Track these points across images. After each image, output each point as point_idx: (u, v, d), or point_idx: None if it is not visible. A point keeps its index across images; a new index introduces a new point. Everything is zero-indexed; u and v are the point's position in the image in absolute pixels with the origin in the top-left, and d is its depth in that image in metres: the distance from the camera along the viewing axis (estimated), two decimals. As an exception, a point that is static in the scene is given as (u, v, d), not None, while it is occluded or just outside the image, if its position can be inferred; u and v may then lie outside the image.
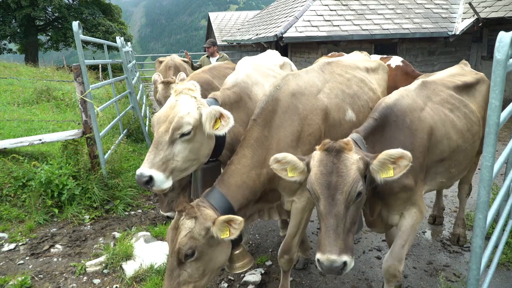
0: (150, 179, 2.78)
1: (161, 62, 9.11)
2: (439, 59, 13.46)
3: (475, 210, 2.36)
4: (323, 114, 3.12)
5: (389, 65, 7.09)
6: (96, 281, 3.76)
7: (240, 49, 19.28)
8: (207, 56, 8.94)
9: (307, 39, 11.78)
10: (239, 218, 2.51)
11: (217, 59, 8.70)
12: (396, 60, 7.05)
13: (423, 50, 13.35)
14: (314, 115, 3.07)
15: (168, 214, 4.32)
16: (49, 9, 30.02)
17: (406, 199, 2.89)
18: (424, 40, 12.98)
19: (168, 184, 2.89)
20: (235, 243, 2.86)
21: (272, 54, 4.97)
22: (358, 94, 3.47)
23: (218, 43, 24.30)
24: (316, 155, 2.40)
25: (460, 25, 12.46)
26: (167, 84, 6.02)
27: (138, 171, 2.81)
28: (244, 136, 3.06)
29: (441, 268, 3.97)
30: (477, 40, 13.43)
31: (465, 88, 3.54)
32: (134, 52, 15.69)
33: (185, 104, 2.97)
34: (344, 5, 13.23)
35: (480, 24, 12.15)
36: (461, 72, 3.88)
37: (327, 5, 13.11)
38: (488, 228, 2.40)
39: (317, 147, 2.43)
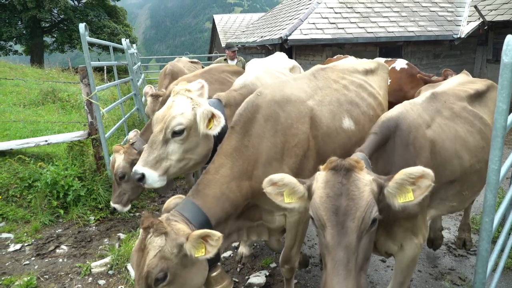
0: (143, 176, 2.95)
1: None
2: (444, 62, 13.42)
3: (482, 213, 2.35)
4: (312, 122, 2.85)
5: (393, 68, 7.08)
6: (101, 282, 3.77)
7: (245, 51, 19.31)
8: (224, 59, 8.75)
9: (312, 41, 11.79)
10: (217, 234, 2.15)
11: (236, 63, 8.49)
12: (401, 63, 7.04)
13: (428, 53, 13.32)
14: (300, 123, 2.79)
15: (116, 206, 4.22)
16: (55, 11, 30.21)
17: (408, 228, 2.57)
18: (429, 43, 12.95)
19: (160, 182, 3.03)
20: (212, 263, 2.49)
21: (281, 57, 4.98)
22: (356, 101, 3.21)
23: (222, 46, 24.43)
24: (321, 176, 2.02)
25: (465, 28, 12.43)
26: (155, 97, 5.93)
27: (133, 168, 3.02)
28: (221, 144, 2.77)
29: (446, 271, 3.95)
30: (483, 43, 13.39)
31: (478, 98, 3.21)
32: (139, 54, 15.76)
33: (180, 105, 3.08)
34: (349, 7, 13.23)
35: (485, 27, 12.11)
36: (470, 79, 3.59)
37: (332, 7, 13.12)
38: (494, 231, 2.39)
39: (321, 166, 2.07)
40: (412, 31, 12.33)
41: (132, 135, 4.59)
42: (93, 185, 5.21)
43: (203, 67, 8.58)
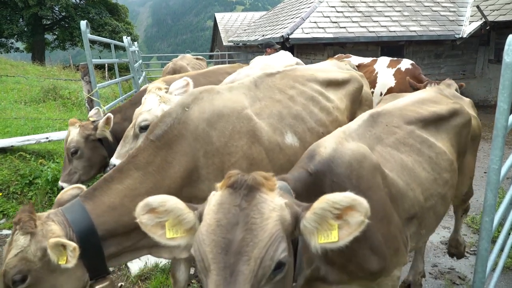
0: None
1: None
2: (445, 62, 13.42)
3: (482, 213, 2.36)
4: (250, 136, 2.55)
5: (399, 69, 7.03)
6: (101, 279, 3.78)
7: (246, 50, 19.30)
8: None
9: (314, 40, 11.78)
10: (72, 244, 1.89)
11: None
12: (406, 63, 7.01)
13: (429, 53, 13.31)
14: (236, 140, 2.50)
15: (63, 184, 3.80)
16: (56, 9, 30.23)
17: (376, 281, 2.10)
18: (431, 42, 12.94)
19: None
20: (97, 274, 2.19)
21: (285, 55, 4.98)
22: (302, 116, 2.87)
23: (224, 44, 24.42)
24: (215, 197, 1.45)
25: (467, 28, 12.42)
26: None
27: (110, 161, 3.24)
28: (133, 153, 2.43)
29: (446, 271, 3.96)
30: (485, 43, 13.37)
31: (436, 122, 2.65)
32: (141, 52, 15.76)
33: (148, 102, 3.28)
34: (351, 6, 13.22)
35: (487, 27, 12.09)
36: (435, 98, 2.94)
37: (333, 6, 13.10)
38: (494, 231, 2.40)
39: (218, 184, 1.49)
40: (414, 31, 12.32)
41: (93, 112, 4.24)
42: (93, 182, 5.21)
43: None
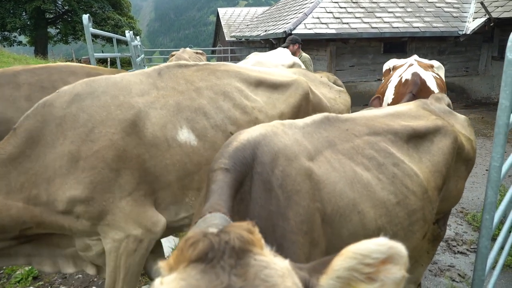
0: None
1: (173, 56, 9.07)
2: (449, 58, 13.36)
3: (482, 210, 2.35)
4: (131, 126, 2.25)
5: (401, 78, 5.16)
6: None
7: (249, 45, 19.25)
8: None
9: (316, 36, 11.74)
10: None
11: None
12: (407, 74, 5.02)
13: (432, 49, 13.25)
14: (106, 127, 2.20)
15: None
16: (59, 2, 30.23)
17: None
18: (434, 39, 12.88)
19: None
20: None
21: (282, 53, 4.95)
22: (206, 110, 2.48)
23: (226, 39, 24.37)
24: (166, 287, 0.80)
25: (471, 25, 12.35)
26: None
27: None
28: None
29: (445, 268, 3.96)
30: (488, 40, 13.31)
31: (408, 138, 2.18)
32: (143, 47, 15.74)
33: None
34: (354, 2, 13.16)
35: (491, 24, 12.03)
36: (415, 112, 2.46)
37: (337, 2, 13.05)
38: (494, 229, 2.40)
39: (162, 262, 0.86)
40: (417, 27, 12.26)
41: None
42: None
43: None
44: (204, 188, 1.54)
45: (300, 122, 1.95)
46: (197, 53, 8.42)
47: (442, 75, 5.35)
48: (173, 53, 9.22)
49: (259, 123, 2.44)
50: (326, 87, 3.37)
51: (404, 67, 5.18)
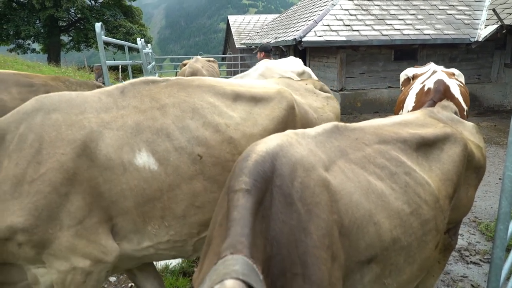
0: None
1: (184, 64, 9.06)
2: (460, 66, 13.25)
3: (496, 220, 2.31)
4: (76, 146, 2.07)
5: (424, 86, 4.90)
6: (112, 279, 3.81)
7: (259, 52, 19.36)
8: None
9: (326, 43, 11.74)
10: None
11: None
12: (430, 82, 4.75)
13: (444, 56, 13.16)
14: (55, 147, 2.04)
15: None
16: (72, 10, 30.69)
17: None
18: (445, 46, 12.80)
19: None
20: None
21: (293, 61, 4.93)
22: (170, 131, 2.25)
23: (236, 46, 24.50)
24: None
25: (483, 32, 12.25)
26: None
27: None
28: None
29: (458, 278, 3.90)
30: (500, 47, 13.18)
31: (418, 147, 2.17)
32: (154, 54, 15.89)
33: None
34: (364, 10, 13.15)
35: (503, 31, 11.91)
36: (422, 120, 2.42)
37: (347, 9, 13.06)
38: (509, 240, 2.35)
39: None
40: (428, 34, 12.20)
41: None
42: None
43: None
44: (224, 208, 1.43)
45: (311, 131, 1.90)
46: (209, 61, 8.38)
47: (463, 82, 5.16)
48: (185, 62, 9.22)
49: (234, 142, 2.34)
50: (312, 95, 3.17)
51: (427, 74, 4.96)
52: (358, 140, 1.97)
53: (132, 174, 2.13)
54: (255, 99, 2.56)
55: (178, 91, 2.42)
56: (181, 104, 2.35)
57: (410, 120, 2.37)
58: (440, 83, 4.45)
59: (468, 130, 2.60)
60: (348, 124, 2.07)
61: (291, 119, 2.64)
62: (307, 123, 2.70)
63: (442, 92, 4.39)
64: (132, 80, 2.46)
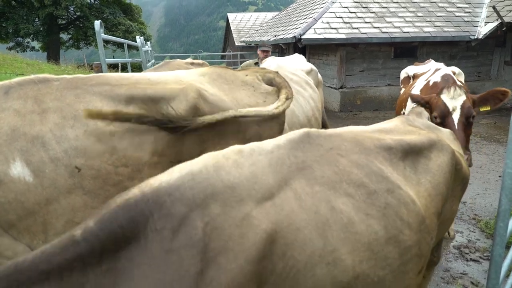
0: None
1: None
2: (460, 63, 13.26)
3: (496, 218, 2.32)
4: None
5: (429, 82, 4.67)
6: None
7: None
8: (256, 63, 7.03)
9: (326, 41, 11.73)
10: None
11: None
12: (436, 77, 4.48)
13: (443, 54, 13.17)
14: None
15: None
16: (71, 8, 30.66)
17: None
18: (445, 44, 12.79)
19: None
20: None
21: (299, 59, 4.92)
22: (47, 139, 2.00)
23: (236, 44, 24.45)
24: None
25: (483, 29, 12.24)
26: None
27: None
28: None
29: (458, 275, 3.90)
30: (501, 44, 13.17)
31: (408, 155, 1.87)
32: (153, 52, 15.88)
33: None
34: (364, 7, 13.13)
35: (504, 29, 11.90)
36: (403, 128, 2.13)
37: (346, 7, 13.04)
38: (508, 237, 2.35)
39: None
40: (428, 32, 12.19)
41: None
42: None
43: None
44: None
45: (269, 144, 1.57)
46: (192, 63, 6.79)
47: (463, 81, 5.07)
48: (168, 61, 8.80)
49: (119, 152, 2.06)
50: (248, 89, 2.70)
51: (431, 72, 4.84)
52: (332, 150, 1.65)
53: (9, 186, 1.91)
54: (153, 100, 2.25)
55: (67, 93, 2.14)
56: (64, 109, 2.07)
57: (390, 127, 2.09)
58: (448, 76, 4.24)
59: (447, 137, 2.31)
60: (322, 131, 1.78)
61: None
62: (222, 123, 2.35)
63: (452, 83, 4.04)
64: (21, 79, 2.18)
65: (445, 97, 3.53)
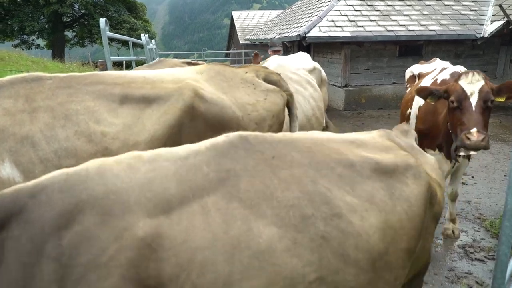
0: None
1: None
2: (465, 62, 13.16)
3: (502, 217, 2.30)
4: None
5: (436, 80, 4.56)
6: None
7: (263, 48, 19.29)
8: None
9: (331, 39, 11.69)
10: None
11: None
12: (444, 75, 4.42)
13: (449, 52, 13.09)
14: None
15: None
16: (76, 6, 30.72)
17: None
18: (450, 42, 12.72)
19: None
20: None
21: (303, 57, 4.91)
22: (36, 140, 1.97)
23: (240, 42, 24.41)
24: None
25: (489, 28, 12.16)
26: None
27: None
28: None
29: (463, 275, 3.89)
30: (507, 43, 13.08)
31: (368, 176, 1.54)
32: (158, 50, 15.90)
33: None
34: (369, 5, 13.07)
35: (510, 27, 11.81)
36: (380, 143, 1.80)
37: (351, 5, 12.98)
38: (514, 236, 2.34)
39: None
40: (434, 30, 12.12)
41: None
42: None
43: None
44: None
45: (186, 150, 1.38)
46: (189, 63, 6.63)
47: None
48: (162, 59, 8.61)
49: (110, 153, 1.95)
50: (248, 87, 2.65)
51: (437, 71, 4.75)
52: (274, 160, 1.40)
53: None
54: (148, 100, 2.22)
55: (60, 92, 2.11)
56: (55, 108, 2.04)
57: (365, 140, 1.77)
58: (457, 74, 4.03)
59: (430, 164, 1.93)
60: (270, 135, 1.54)
61: (188, 122, 2.28)
62: (222, 123, 2.28)
63: None
64: (13, 77, 2.14)
65: (463, 82, 3.55)
